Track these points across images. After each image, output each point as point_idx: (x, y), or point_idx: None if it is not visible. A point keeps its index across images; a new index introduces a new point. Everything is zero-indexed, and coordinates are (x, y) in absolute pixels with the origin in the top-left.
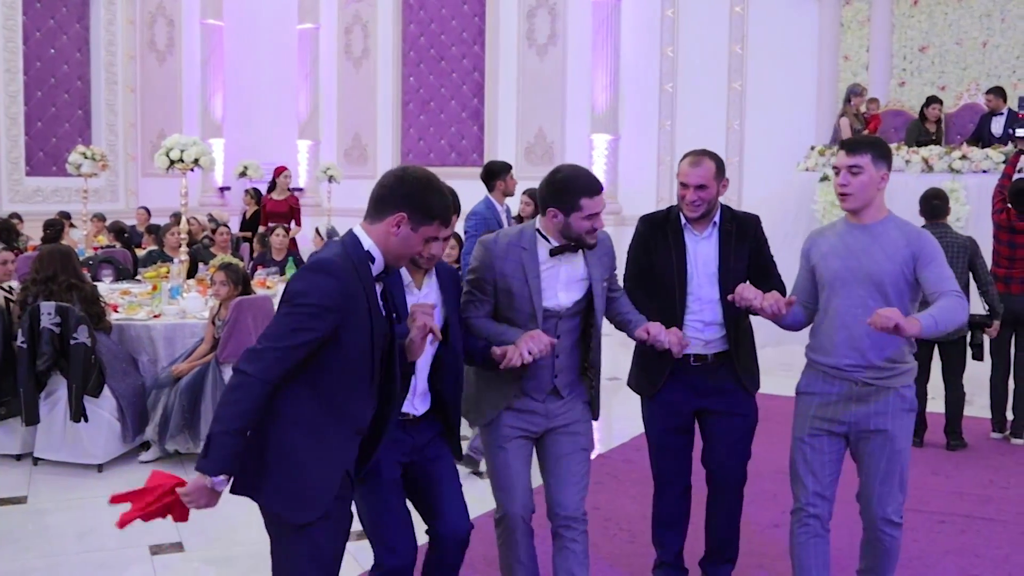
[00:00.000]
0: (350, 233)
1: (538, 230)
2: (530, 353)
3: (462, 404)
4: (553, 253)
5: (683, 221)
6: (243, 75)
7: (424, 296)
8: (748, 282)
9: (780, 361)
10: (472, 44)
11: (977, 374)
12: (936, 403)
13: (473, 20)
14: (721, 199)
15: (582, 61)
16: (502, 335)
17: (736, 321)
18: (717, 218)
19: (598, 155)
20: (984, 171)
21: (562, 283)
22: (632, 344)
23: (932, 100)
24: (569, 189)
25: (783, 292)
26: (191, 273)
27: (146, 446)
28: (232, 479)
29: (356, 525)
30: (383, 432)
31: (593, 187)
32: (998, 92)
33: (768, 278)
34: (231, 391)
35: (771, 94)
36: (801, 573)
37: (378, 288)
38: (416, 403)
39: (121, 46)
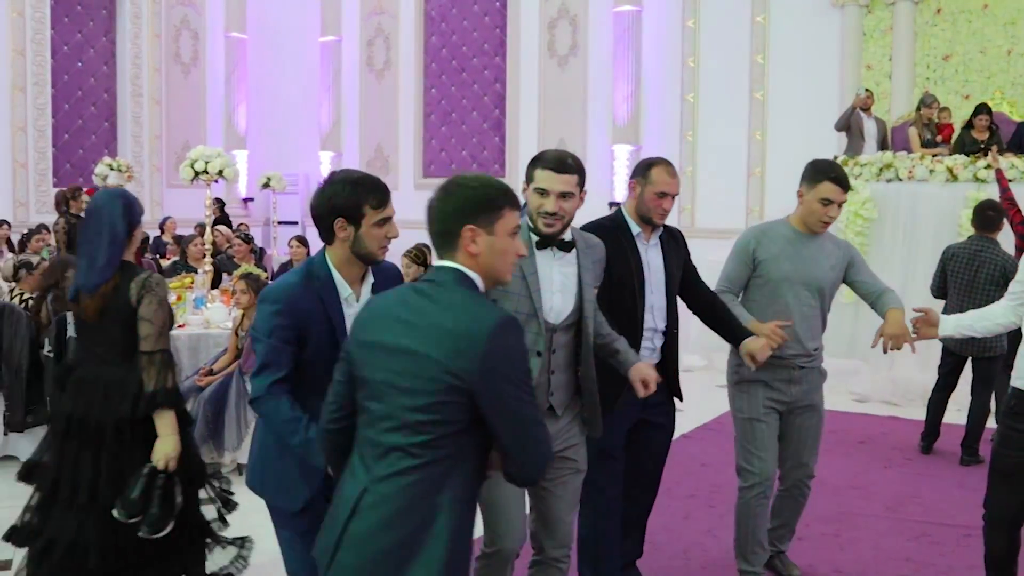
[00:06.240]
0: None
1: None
2: None
3: None
4: (540, 245)
5: (635, 230)
6: (266, 87)
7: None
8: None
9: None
10: (493, 55)
11: None
12: (955, 414)
13: (494, 32)
14: (746, 207)
15: (603, 72)
16: None
17: (672, 328)
18: None
19: (620, 166)
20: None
21: (557, 286)
22: None
23: (981, 109)
24: (538, 156)
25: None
26: (215, 283)
27: None
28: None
29: None
30: None
31: (552, 161)
32: None
33: (699, 281)
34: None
35: (793, 104)
36: (756, 536)
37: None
38: None
39: (147, 59)
